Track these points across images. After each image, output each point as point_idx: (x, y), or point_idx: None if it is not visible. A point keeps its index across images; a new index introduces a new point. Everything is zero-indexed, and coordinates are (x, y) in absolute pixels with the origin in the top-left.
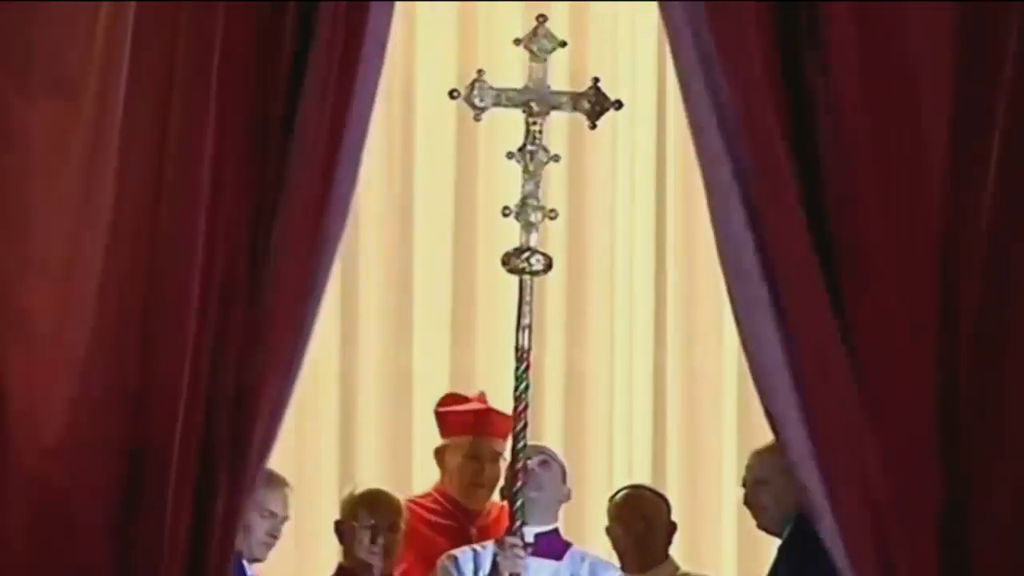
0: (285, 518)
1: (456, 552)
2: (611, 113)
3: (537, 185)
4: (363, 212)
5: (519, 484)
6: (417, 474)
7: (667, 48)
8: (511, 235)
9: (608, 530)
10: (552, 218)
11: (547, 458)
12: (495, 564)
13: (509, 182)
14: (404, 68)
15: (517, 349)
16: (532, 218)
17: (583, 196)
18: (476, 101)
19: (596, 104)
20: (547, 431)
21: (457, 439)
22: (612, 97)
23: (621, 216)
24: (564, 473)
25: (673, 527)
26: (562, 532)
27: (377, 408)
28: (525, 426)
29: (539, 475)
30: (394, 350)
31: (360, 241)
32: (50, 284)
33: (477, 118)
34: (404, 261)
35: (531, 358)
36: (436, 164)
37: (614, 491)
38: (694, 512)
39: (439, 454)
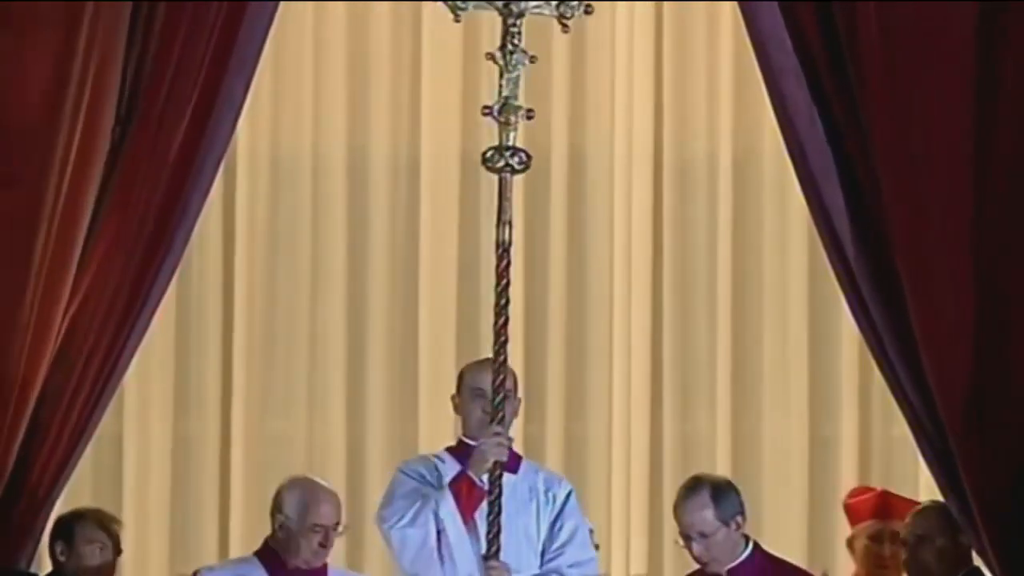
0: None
1: (412, 462)
2: (606, 171)
3: (516, 85)
4: (371, 285)
5: (500, 379)
6: None
7: (664, 48)
8: (514, 309)
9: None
10: (529, 118)
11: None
12: (479, 453)
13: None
14: (410, 109)
15: (498, 245)
16: (511, 117)
17: (582, 259)
18: (457, 1)
19: (567, 7)
20: None
21: (863, 524)
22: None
23: (619, 281)
24: (516, 386)
25: None
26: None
27: (384, 480)
28: (506, 321)
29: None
30: (400, 424)
31: (368, 318)
32: None
33: (457, 19)
34: (409, 338)
35: (511, 254)
36: (440, 234)
37: None
38: None
39: (849, 543)
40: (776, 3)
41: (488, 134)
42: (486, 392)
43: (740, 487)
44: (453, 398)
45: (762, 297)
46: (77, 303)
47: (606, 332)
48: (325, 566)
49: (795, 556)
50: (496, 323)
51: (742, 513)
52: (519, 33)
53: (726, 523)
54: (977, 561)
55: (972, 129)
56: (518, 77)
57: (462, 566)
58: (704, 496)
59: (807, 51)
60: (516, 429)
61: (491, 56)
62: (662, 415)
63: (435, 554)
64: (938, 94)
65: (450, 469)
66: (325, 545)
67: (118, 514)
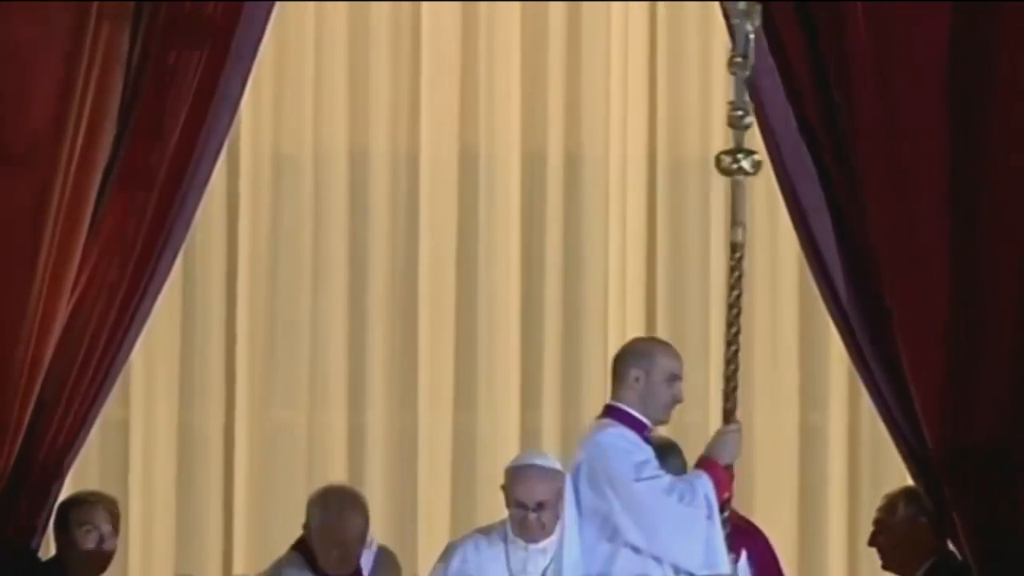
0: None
1: (618, 429)
2: (602, 170)
3: (745, 90)
4: (371, 278)
5: (733, 368)
6: (423, 530)
7: (658, 49)
8: (511, 303)
9: None
10: (747, 126)
11: None
12: (730, 445)
13: (509, 240)
14: (410, 107)
15: (733, 246)
16: (746, 121)
17: (578, 255)
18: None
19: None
20: None
21: None
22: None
23: (614, 276)
24: None
25: None
26: None
27: (384, 468)
28: (738, 316)
29: None
30: (400, 410)
31: (369, 309)
32: None
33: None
34: (409, 330)
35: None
36: (439, 230)
37: None
38: None
39: None
40: None
41: (486, 131)
42: (681, 377)
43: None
44: (631, 370)
45: (753, 292)
46: (80, 290)
47: (601, 324)
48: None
49: (786, 543)
50: (728, 331)
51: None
52: (753, 40)
53: None
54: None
55: (950, 131)
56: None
57: (719, 555)
58: None
59: (784, 51)
60: (515, 418)
61: (731, 63)
62: None
63: (703, 537)
64: (915, 95)
65: (637, 436)
66: (345, 560)
67: (124, 500)
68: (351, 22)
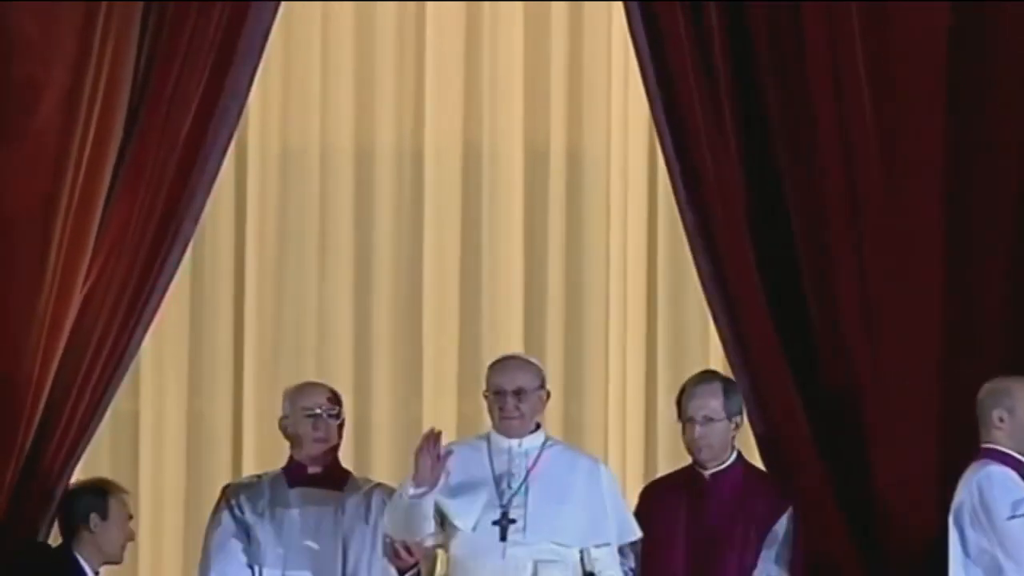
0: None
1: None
2: (603, 163)
3: None
4: (376, 271)
5: None
6: None
7: None
8: (514, 295)
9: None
10: None
11: None
12: None
13: (512, 234)
14: (414, 99)
15: None
16: None
17: (579, 249)
18: None
19: None
20: None
21: None
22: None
23: (615, 268)
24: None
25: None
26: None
27: (389, 457)
28: None
29: None
30: (405, 400)
31: (374, 302)
32: None
33: None
34: (414, 321)
35: None
36: (443, 223)
37: None
38: None
39: None
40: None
41: (489, 125)
42: None
43: None
44: (994, 412)
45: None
46: (89, 285)
47: (603, 317)
48: (346, 473)
49: None
50: None
51: (742, 415)
52: None
53: (729, 417)
54: None
55: (946, 130)
56: None
57: None
58: (717, 386)
59: (664, 55)
60: None
61: None
62: (656, 397)
63: None
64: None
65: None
66: (318, 429)
67: (134, 490)
68: (357, 20)
